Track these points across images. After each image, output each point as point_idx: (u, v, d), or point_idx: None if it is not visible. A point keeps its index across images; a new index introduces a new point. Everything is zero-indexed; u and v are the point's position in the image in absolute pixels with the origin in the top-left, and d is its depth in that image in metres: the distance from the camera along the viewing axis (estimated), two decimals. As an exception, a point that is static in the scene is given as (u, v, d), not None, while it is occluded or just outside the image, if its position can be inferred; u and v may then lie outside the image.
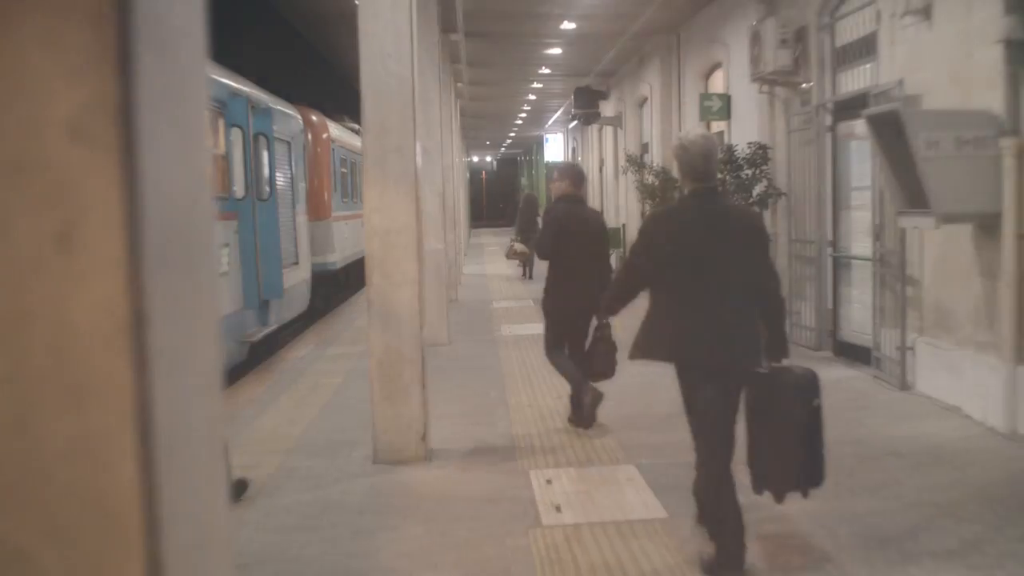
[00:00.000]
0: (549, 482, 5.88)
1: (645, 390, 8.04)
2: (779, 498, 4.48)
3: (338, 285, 17.67)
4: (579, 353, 6.97)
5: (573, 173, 7.21)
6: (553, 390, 8.80)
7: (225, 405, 5.46)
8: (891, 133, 7.29)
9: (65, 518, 1.12)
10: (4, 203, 1.09)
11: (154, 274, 1.14)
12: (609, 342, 6.39)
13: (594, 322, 6.56)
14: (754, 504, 5.31)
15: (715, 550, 4.38)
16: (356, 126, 22.28)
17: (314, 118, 16.37)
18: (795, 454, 4.32)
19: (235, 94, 10.50)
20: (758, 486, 4.49)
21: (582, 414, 7.03)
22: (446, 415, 7.69)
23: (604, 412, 7.47)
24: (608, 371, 6.54)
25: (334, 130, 17.53)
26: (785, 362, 4.46)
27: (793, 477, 4.39)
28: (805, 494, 4.45)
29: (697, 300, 4.32)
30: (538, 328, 12.62)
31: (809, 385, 4.38)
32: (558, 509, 5.38)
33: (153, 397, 1.13)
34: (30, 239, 1.09)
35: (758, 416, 4.38)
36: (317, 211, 15.61)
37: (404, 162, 6.29)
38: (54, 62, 1.09)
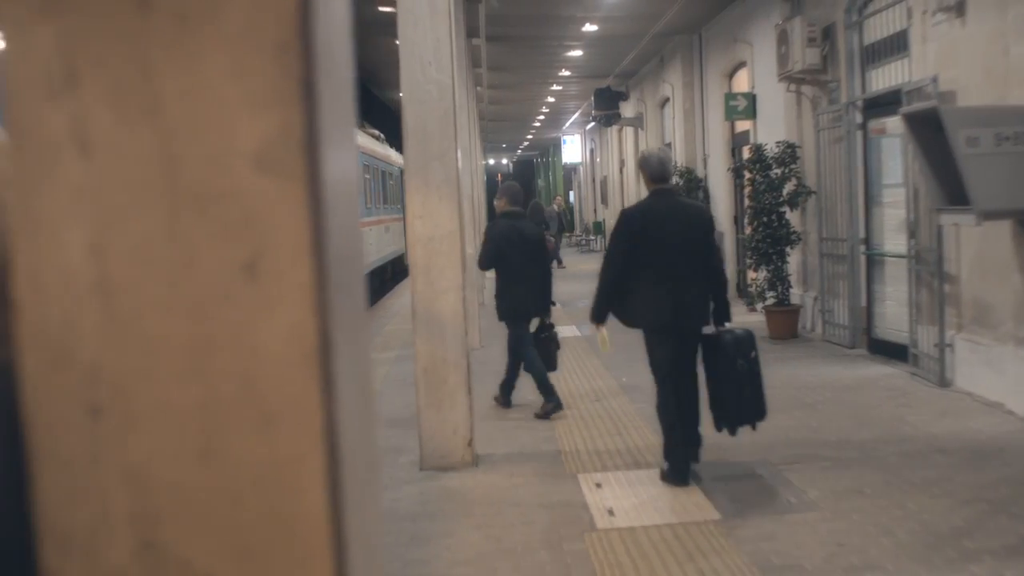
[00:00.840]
0: (599, 486, 5.90)
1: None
2: (732, 431, 5.75)
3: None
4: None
5: (511, 192, 8.36)
6: (591, 392, 8.82)
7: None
8: (928, 130, 7.28)
9: (255, 544, 1.14)
10: (192, 234, 1.12)
11: (334, 299, 1.17)
12: (554, 341, 8.02)
13: (536, 323, 8.05)
14: (809, 505, 5.32)
15: (667, 464, 5.86)
16: (376, 132, 22.32)
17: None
18: (739, 396, 5.62)
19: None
20: (717, 424, 5.75)
21: (507, 398, 8.38)
22: (487, 419, 7.72)
23: (643, 416, 7.49)
24: (552, 366, 8.04)
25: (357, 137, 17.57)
26: (728, 325, 5.83)
27: (740, 415, 5.69)
28: (754, 427, 5.78)
29: (661, 276, 5.70)
30: (565, 331, 12.70)
31: (747, 341, 5.67)
32: (611, 513, 5.39)
33: (340, 421, 1.16)
34: (218, 269, 1.12)
35: (709, 368, 5.73)
36: (342, 218, 15.64)
37: (446, 169, 6.32)
38: (241, 93, 1.11)
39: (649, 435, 7.10)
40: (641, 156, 6.12)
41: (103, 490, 1.13)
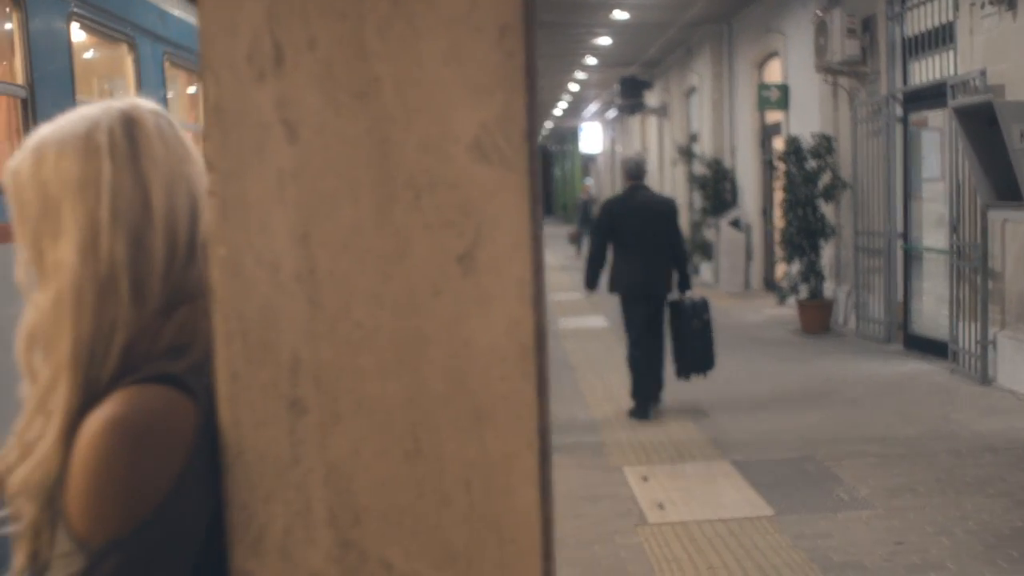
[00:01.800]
0: (646, 479, 5.85)
1: (727, 385, 7.99)
2: (686, 377, 7.30)
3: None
4: None
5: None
6: (626, 384, 8.77)
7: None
8: (977, 124, 7.19)
9: (460, 546, 1.10)
10: (404, 224, 1.07)
11: (544, 294, 1.12)
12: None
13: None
14: (862, 502, 5.26)
15: (633, 403, 7.37)
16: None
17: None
18: (693, 349, 7.17)
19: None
20: (678, 373, 7.28)
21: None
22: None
23: (686, 409, 7.45)
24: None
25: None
26: (688, 293, 7.34)
27: (694, 364, 7.23)
28: (704, 375, 7.34)
29: (633, 253, 7.30)
30: (595, 321, 12.62)
31: (702, 306, 7.21)
32: (661, 507, 5.34)
33: (549, 420, 1.11)
34: (431, 261, 1.07)
35: (672, 328, 7.26)
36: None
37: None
38: (458, 77, 1.06)
39: (693, 429, 7.05)
40: (622, 159, 8.26)
41: (302, 488, 1.08)
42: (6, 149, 4.76)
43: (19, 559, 1.12)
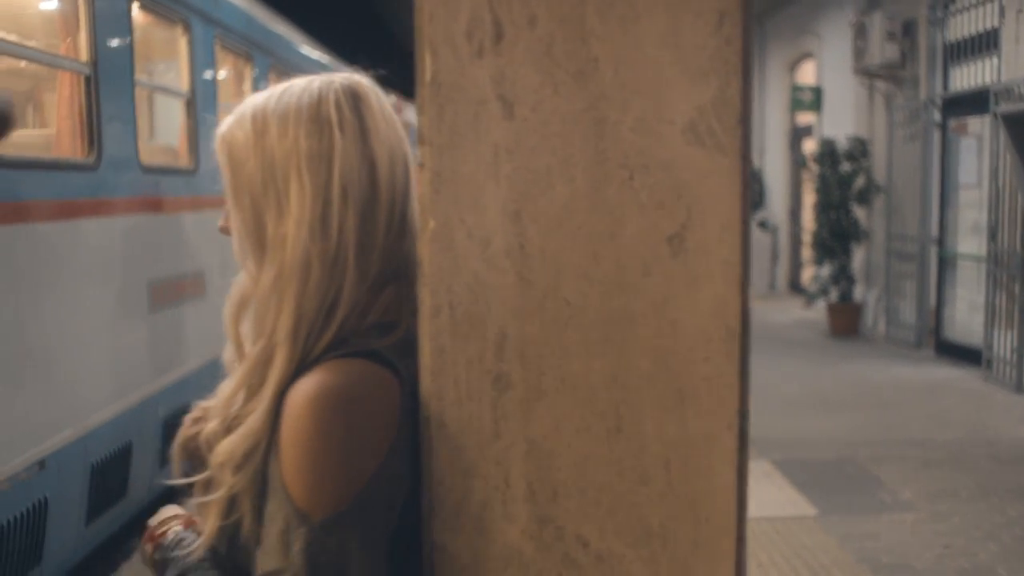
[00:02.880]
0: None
1: (759, 386, 7.97)
2: None
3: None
4: None
5: None
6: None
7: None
8: (1022, 131, 7.16)
9: (656, 524, 1.10)
10: (618, 202, 1.08)
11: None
12: None
13: None
14: (906, 504, 5.26)
15: None
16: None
17: (393, 98, 16.37)
18: None
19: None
20: None
21: None
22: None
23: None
24: None
25: (407, 112, 17.50)
26: None
27: None
28: None
29: None
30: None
31: None
32: (704, 503, 5.34)
33: (749, 403, 1.12)
34: (642, 240, 1.08)
35: None
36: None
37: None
38: (676, 60, 1.07)
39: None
40: None
41: (502, 463, 1.09)
42: (67, 126, 4.77)
43: (209, 525, 1.13)
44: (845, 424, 7.11)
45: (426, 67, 1.07)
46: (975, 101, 8.88)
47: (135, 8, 5.16)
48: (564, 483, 1.09)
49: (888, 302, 10.70)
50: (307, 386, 1.05)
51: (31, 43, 4.34)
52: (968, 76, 9.38)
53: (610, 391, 1.09)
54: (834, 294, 11.19)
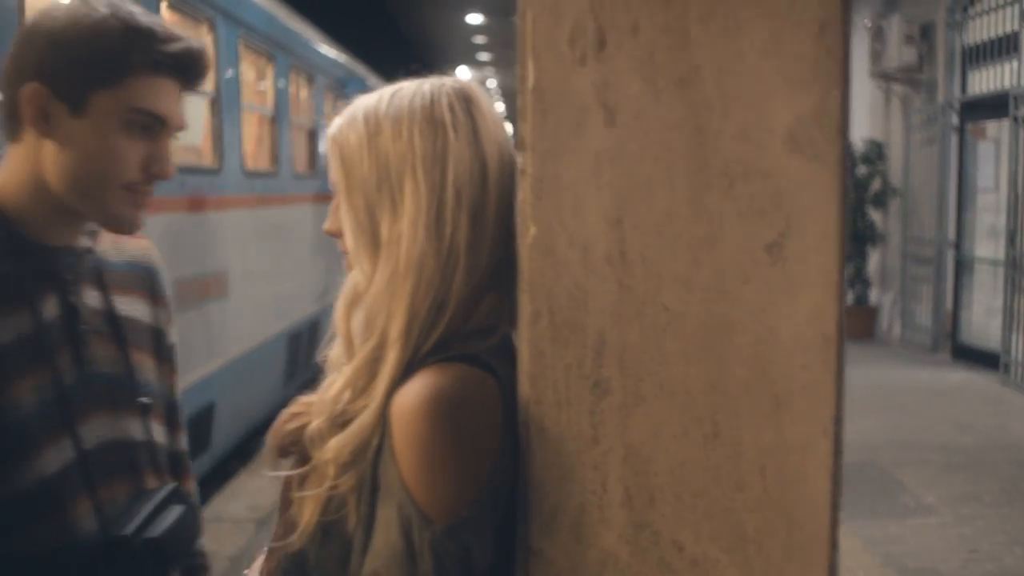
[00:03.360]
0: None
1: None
2: None
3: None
4: None
5: None
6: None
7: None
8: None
9: (750, 530, 1.11)
10: (718, 210, 1.08)
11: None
12: None
13: None
14: (929, 509, 5.26)
15: None
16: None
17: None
18: None
19: (353, 73, 10.59)
20: None
21: None
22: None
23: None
24: None
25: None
26: None
27: None
28: None
29: None
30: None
31: None
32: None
33: (844, 410, 1.12)
34: (741, 248, 1.09)
35: None
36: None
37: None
38: (776, 69, 1.08)
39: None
40: None
41: (600, 468, 1.10)
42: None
43: (306, 519, 1.14)
44: (865, 427, 7.10)
45: (529, 73, 1.08)
46: (994, 105, 8.87)
47: (163, 7, 5.18)
48: (661, 488, 1.10)
49: (904, 305, 10.69)
50: (418, 389, 1.05)
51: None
52: (986, 79, 9.37)
53: (707, 397, 1.09)
54: (849, 297, 11.18)
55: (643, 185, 1.08)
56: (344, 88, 10.21)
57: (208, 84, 5.89)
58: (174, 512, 1.28)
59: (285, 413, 1.20)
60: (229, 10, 6.20)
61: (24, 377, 1.21)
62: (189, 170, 5.47)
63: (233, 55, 6.34)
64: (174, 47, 1.27)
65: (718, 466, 1.10)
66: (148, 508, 1.26)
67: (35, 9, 3.95)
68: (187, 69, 1.30)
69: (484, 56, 21.63)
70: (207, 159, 5.81)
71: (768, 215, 1.08)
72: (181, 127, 1.30)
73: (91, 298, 1.33)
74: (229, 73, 6.20)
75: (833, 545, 1.12)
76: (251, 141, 6.82)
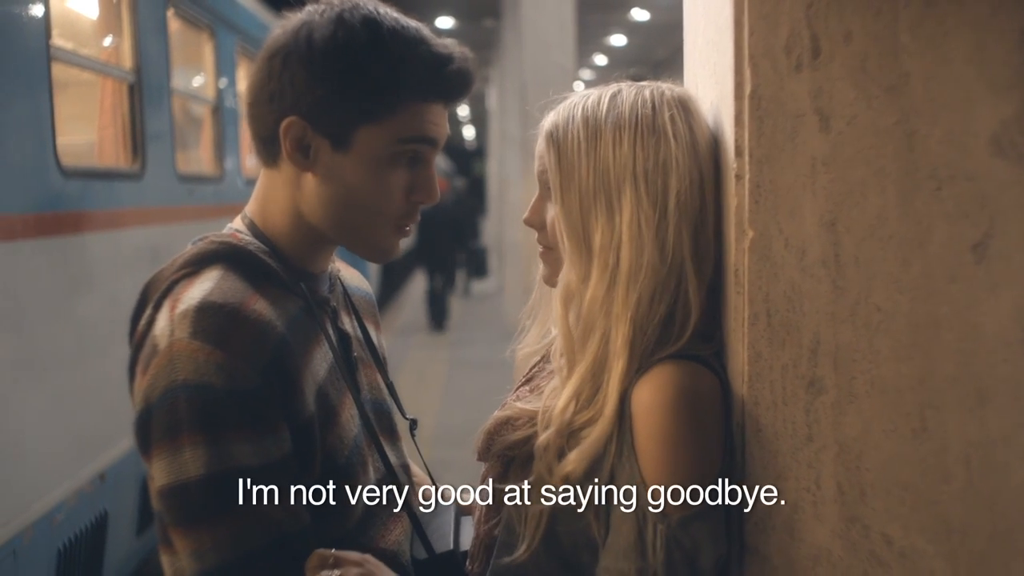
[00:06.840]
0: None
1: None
2: None
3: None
4: None
5: None
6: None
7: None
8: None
9: (955, 521, 1.15)
10: (926, 212, 1.12)
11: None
12: None
13: None
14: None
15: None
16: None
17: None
18: None
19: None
20: None
21: None
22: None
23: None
24: None
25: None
26: None
27: None
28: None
29: None
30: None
31: None
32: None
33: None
34: (948, 248, 1.13)
35: None
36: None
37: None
38: (981, 75, 1.12)
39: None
40: None
41: (813, 466, 1.13)
42: (110, 135, 4.74)
43: (530, 528, 1.14)
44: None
45: (746, 80, 1.11)
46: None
47: (170, 15, 5.15)
48: (872, 483, 1.14)
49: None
50: (661, 384, 1.07)
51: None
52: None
53: (916, 393, 1.13)
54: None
55: (856, 189, 1.11)
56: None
57: (208, 92, 5.87)
58: (467, 524, 1.29)
59: (499, 417, 1.21)
60: (227, 17, 6.17)
61: (343, 408, 1.18)
62: (196, 179, 5.44)
63: (232, 62, 6.31)
64: (446, 72, 1.16)
65: (925, 459, 1.14)
66: (452, 522, 1.27)
67: (63, 27, 3.89)
68: (459, 92, 1.20)
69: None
70: (209, 168, 5.78)
71: (973, 216, 1.12)
72: (443, 141, 1.20)
73: (347, 324, 1.30)
74: (228, 81, 6.16)
75: (1034, 533, 1.16)
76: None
